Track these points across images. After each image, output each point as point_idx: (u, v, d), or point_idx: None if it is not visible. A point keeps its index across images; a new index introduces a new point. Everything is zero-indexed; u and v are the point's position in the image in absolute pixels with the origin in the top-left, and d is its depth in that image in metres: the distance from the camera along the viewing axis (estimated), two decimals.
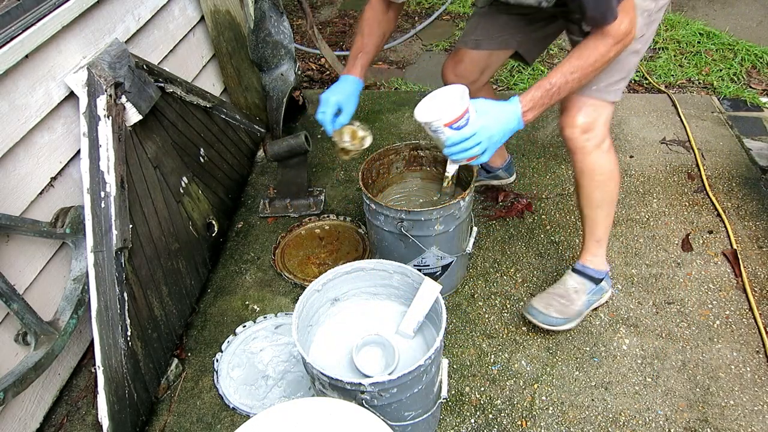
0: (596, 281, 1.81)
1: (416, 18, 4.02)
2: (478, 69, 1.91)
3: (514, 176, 2.43)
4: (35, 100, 1.55)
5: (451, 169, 1.83)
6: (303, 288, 2.00)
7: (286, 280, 2.10)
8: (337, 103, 1.58)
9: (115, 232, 1.59)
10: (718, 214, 2.20)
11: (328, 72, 3.49)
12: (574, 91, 1.45)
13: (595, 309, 1.89)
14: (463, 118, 1.35)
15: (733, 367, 1.71)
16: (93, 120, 1.60)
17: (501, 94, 3.06)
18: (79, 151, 1.72)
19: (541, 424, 1.61)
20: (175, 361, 1.83)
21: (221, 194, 2.30)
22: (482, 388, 1.71)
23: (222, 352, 1.86)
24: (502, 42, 1.84)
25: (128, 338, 1.60)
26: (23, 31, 1.48)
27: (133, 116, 1.72)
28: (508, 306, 1.94)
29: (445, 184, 1.85)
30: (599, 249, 1.80)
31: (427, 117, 1.38)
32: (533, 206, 2.31)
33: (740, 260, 2.00)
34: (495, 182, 2.40)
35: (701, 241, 2.11)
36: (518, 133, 2.82)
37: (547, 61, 3.38)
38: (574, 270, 1.83)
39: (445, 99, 1.41)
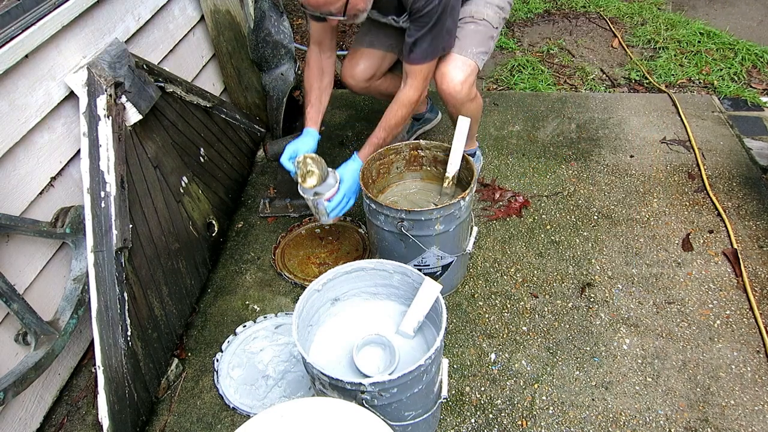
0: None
1: None
2: (373, 66, 2.18)
3: (440, 115, 2.75)
4: (35, 100, 1.55)
5: (452, 170, 1.83)
6: (303, 288, 2.00)
7: (286, 279, 2.10)
8: (294, 151, 1.92)
9: (115, 231, 1.59)
10: (719, 214, 2.20)
11: None
12: (396, 137, 2.00)
13: (596, 309, 1.89)
14: (336, 193, 1.89)
15: (733, 366, 1.71)
16: (93, 120, 1.60)
17: (501, 93, 3.07)
18: (79, 151, 1.72)
19: (542, 423, 1.61)
20: (176, 360, 1.83)
21: (221, 194, 2.29)
22: (482, 388, 1.71)
23: (222, 352, 1.86)
24: (389, 46, 2.17)
25: (128, 338, 1.60)
26: (23, 31, 1.48)
27: (133, 116, 1.72)
28: (509, 306, 1.94)
29: (445, 185, 1.86)
30: (471, 140, 2.30)
31: (310, 194, 1.87)
32: (531, 203, 2.31)
33: (741, 260, 2.00)
34: (428, 126, 2.72)
35: (702, 241, 2.11)
36: (519, 133, 2.83)
37: (547, 60, 3.37)
38: None
39: (328, 182, 1.90)
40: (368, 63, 2.17)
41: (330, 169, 1.90)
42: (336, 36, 2.02)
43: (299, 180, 1.82)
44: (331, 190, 1.90)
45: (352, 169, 1.88)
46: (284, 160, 1.91)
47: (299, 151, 1.91)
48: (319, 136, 1.99)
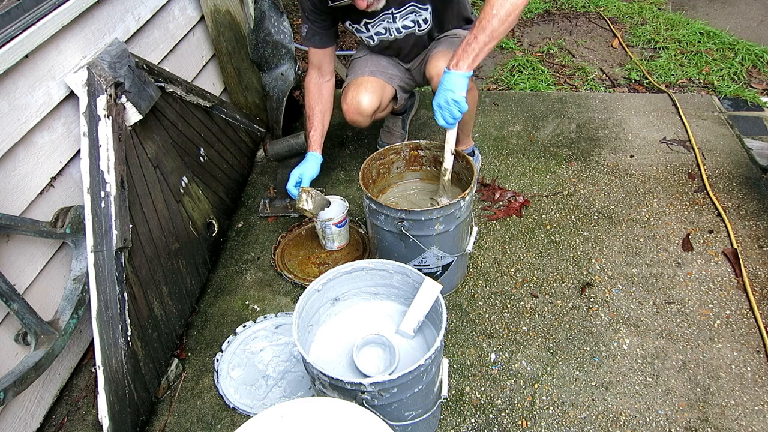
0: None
1: None
2: (378, 97, 2.10)
3: (417, 95, 2.86)
4: (35, 100, 1.55)
5: (449, 163, 1.83)
6: (303, 288, 2.00)
7: (286, 279, 2.10)
8: (299, 176, 1.97)
9: (115, 231, 1.59)
10: (719, 214, 2.20)
11: None
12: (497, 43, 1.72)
13: (596, 309, 1.89)
14: (344, 219, 2.08)
15: (733, 366, 1.71)
16: (93, 120, 1.60)
17: (501, 93, 3.07)
18: (79, 151, 1.72)
19: (542, 423, 1.61)
20: (176, 361, 1.83)
21: (221, 194, 2.29)
22: (482, 388, 1.71)
23: (222, 352, 1.86)
24: (389, 77, 2.15)
25: (128, 338, 1.60)
26: (23, 31, 1.48)
27: (133, 116, 1.72)
28: (509, 306, 1.94)
29: (446, 177, 1.86)
30: (468, 138, 2.33)
31: (323, 216, 2.03)
32: (531, 203, 2.31)
33: (741, 260, 2.00)
34: (413, 111, 2.80)
35: (702, 241, 2.11)
36: (518, 133, 2.83)
37: (547, 60, 3.37)
38: None
39: (335, 207, 2.11)
40: (374, 95, 2.07)
41: (336, 197, 2.08)
42: (333, 61, 2.10)
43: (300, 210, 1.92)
44: (338, 216, 2.05)
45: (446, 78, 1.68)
46: (290, 186, 1.97)
47: (304, 177, 1.97)
48: (322, 159, 2.04)
